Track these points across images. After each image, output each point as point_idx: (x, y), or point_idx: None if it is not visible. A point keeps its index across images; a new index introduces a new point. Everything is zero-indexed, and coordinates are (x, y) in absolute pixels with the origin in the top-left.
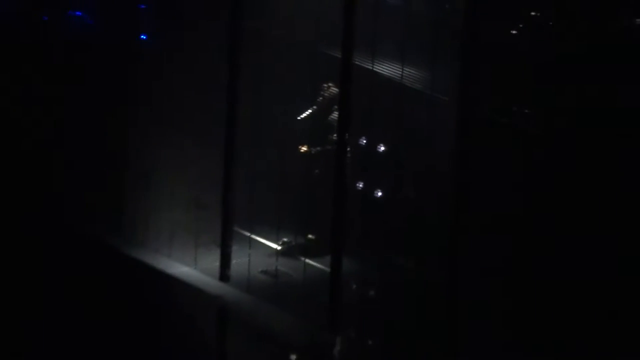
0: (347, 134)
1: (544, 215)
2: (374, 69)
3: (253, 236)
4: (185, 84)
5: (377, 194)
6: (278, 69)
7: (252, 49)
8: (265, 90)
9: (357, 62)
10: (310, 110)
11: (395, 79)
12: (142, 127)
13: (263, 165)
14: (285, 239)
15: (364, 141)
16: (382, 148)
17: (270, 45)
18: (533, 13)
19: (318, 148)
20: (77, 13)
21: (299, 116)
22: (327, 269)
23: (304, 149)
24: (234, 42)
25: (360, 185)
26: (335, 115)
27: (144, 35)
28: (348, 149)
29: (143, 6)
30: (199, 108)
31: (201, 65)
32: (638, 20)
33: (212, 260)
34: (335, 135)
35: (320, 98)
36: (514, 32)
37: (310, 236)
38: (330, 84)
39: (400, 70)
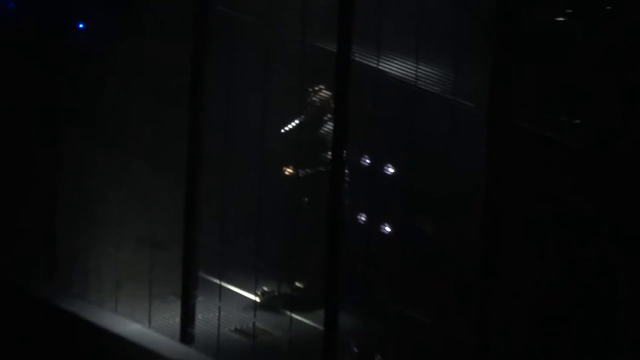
0: (344, 151)
1: (600, 258)
2: (379, 67)
3: (224, 284)
4: (136, 89)
5: (384, 229)
6: (255, 68)
7: (223, 42)
8: (239, 96)
9: (357, 58)
10: (296, 121)
11: (408, 79)
12: (79, 146)
13: (236, 194)
14: (265, 288)
15: (367, 161)
16: (391, 170)
17: (244, 37)
18: None
19: (307, 170)
20: None
21: (282, 128)
22: (320, 327)
23: (289, 171)
24: (199, 32)
25: (363, 218)
26: (329, 127)
27: (81, 24)
28: (346, 170)
29: None
30: (154, 120)
31: (158, 64)
32: None
33: (171, 316)
34: (329, 152)
35: (310, 105)
36: (561, 19)
37: (297, 284)
38: (321, 87)
39: (414, 68)
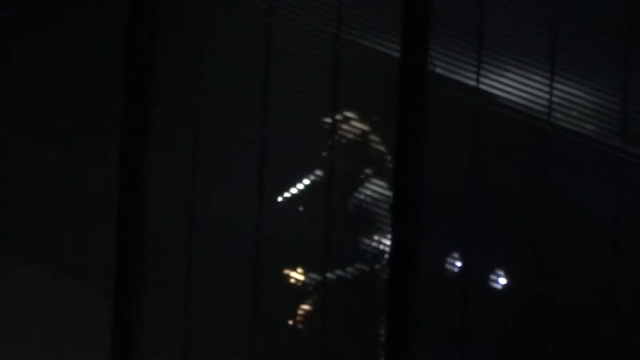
0: (412, 240)
1: None
2: (480, 86)
3: None
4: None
5: None
6: (242, 74)
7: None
8: (209, 124)
9: (437, 70)
10: (308, 180)
11: (536, 110)
12: None
13: (202, 323)
14: None
15: (457, 262)
16: (503, 280)
17: (226, 20)
18: None
19: (330, 275)
20: None
21: (281, 194)
22: None
23: (296, 278)
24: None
25: None
26: (375, 189)
27: None
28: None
29: None
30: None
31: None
32: None
33: None
34: (376, 238)
35: (337, 147)
36: None
37: None
38: (353, 116)
39: (545, 92)
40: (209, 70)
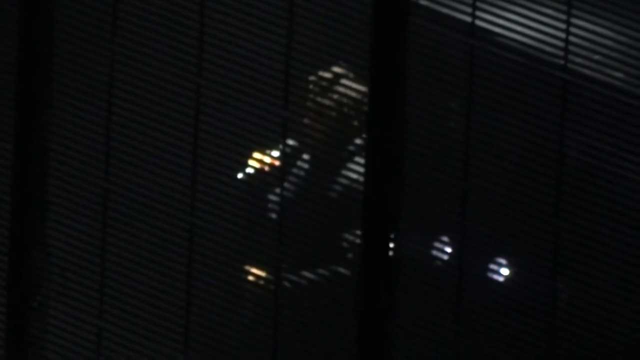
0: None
1: None
2: (477, 23)
3: None
4: None
5: None
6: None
7: None
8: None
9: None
10: (275, 154)
11: (548, 51)
12: None
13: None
14: None
15: (446, 250)
16: (505, 271)
17: None
18: None
19: (305, 277)
20: None
21: (242, 171)
22: None
23: (257, 274)
24: None
25: None
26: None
27: None
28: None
29: None
30: None
31: None
32: None
33: None
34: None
35: (313, 116)
36: None
37: None
38: (344, 74)
39: (563, 28)
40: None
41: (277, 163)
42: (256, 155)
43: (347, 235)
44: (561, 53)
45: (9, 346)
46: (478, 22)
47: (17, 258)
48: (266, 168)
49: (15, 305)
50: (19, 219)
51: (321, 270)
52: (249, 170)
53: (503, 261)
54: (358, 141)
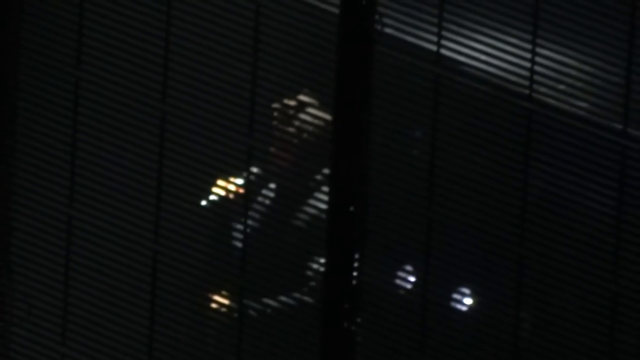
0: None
1: None
2: (442, 52)
3: None
4: None
5: None
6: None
7: None
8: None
9: (385, 30)
10: (238, 182)
11: (514, 80)
12: None
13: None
14: None
15: (408, 280)
16: (467, 300)
17: None
18: None
19: (255, 305)
20: None
21: (205, 199)
22: None
23: (220, 302)
24: None
25: None
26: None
27: None
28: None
29: None
30: None
31: None
32: None
33: None
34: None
35: (279, 142)
36: None
37: None
38: (311, 101)
39: (528, 57)
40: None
41: (241, 190)
42: (220, 182)
43: (311, 263)
44: (526, 82)
45: None
46: (443, 51)
47: None
48: (230, 195)
49: None
50: None
51: (284, 298)
52: (213, 197)
53: (467, 290)
54: (324, 170)
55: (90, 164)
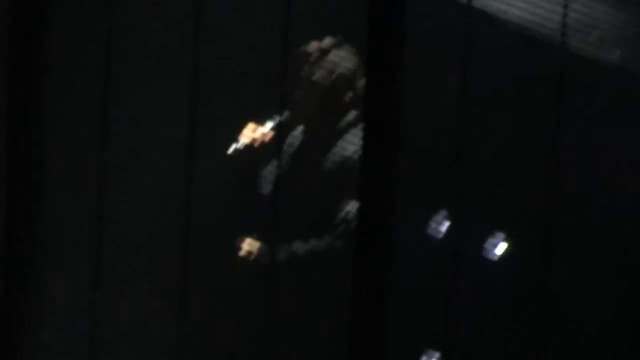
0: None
1: None
2: (473, 3)
3: None
4: None
5: None
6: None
7: None
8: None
9: None
10: (269, 125)
11: (544, 31)
12: None
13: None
14: None
15: (442, 227)
16: (500, 249)
17: None
18: None
19: (296, 246)
20: None
21: (232, 144)
22: None
23: (248, 249)
24: None
25: None
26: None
27: None
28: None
29: None
30: None
31: None
32: None
33: None
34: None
35: (304, 88)
36: None
37: None
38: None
39: (560, 4)
40: None
41: (269, 136)
42: (251, 126)
43: (341, 209)
44: (558, 32)
45: None
46: (475, 1)
47: None
48: (261, 140)
49: None
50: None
51: (316, 243)
52: (244, 141)
53: (499, 239)
54: (354, 113)
55: (122, 106)
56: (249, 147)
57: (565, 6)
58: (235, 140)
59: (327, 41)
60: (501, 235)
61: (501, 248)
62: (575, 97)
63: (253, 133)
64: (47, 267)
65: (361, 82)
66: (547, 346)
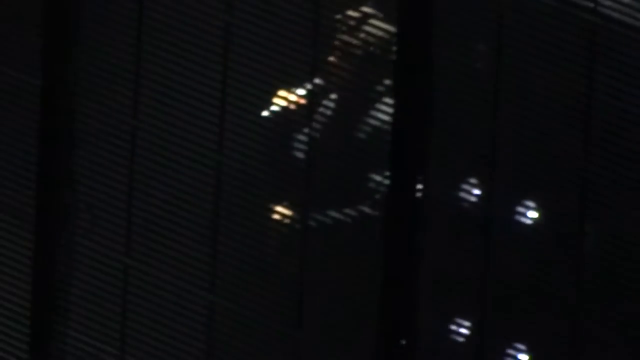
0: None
1: None
2: None
3: None
4: None
5: None
6: None
7: None
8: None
9: None
10: (302, 92)
11: None
12: None
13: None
14: None
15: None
16: (533, 213)
17: None
18: None
19: (328, 215)
20: None
21: (265, 110)
22: None
23: (279, 216)
24: None
25: None
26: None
27: None
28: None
29: None
30: None
31: None
32: None
33: None
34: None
35: (338, 57)
36: None
37: None
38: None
39: None
40: None
41: (302, 101)
42: (282, 93)
43: (374, 176)
44: None
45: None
46: None
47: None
48: (292, 106)
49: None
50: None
51: (348, 211)
52: (276, 108)
53: (531, 204)
54: (387, 82)
55: (154, 72)
56: (283, 111)
57: None
58: (269, 105)
59: (361, 10)
60: (533, 201)
61: (533, 213)
62: (607, 59)
63: (286, 98)
64: (78, 233)
65: (394, 51)
66: (577, 311)
